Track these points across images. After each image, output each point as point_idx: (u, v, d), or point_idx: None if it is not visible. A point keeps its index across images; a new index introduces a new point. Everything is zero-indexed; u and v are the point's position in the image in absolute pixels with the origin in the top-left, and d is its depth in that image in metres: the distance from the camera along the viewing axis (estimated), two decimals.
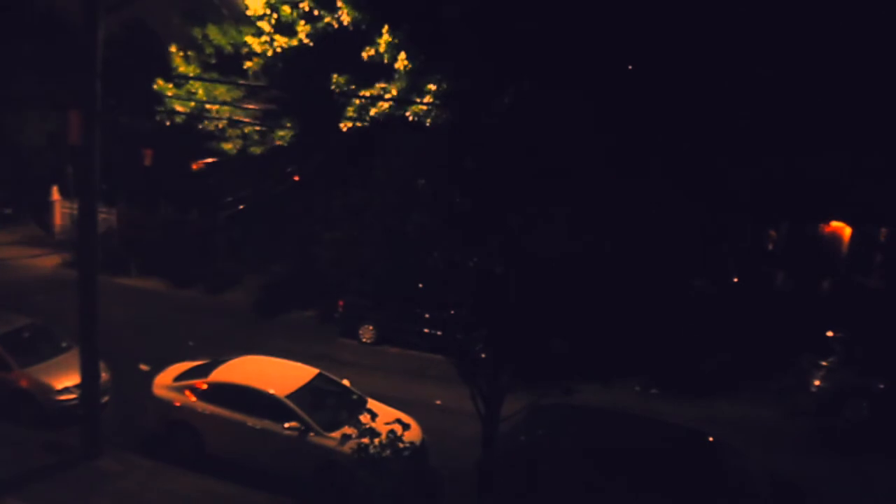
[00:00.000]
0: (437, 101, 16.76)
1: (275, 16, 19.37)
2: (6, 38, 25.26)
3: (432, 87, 17.43)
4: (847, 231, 23.38)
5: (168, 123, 21.30)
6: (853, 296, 21.46)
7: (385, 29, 17.80)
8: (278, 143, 20.85)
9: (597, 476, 11.59)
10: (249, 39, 20.02)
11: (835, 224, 23.44)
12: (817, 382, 16.81)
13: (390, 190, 10.34)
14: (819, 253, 23.20)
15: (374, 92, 18.34)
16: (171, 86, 20.65)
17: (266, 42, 19.79)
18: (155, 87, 20.53)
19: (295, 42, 19.32)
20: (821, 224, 23.45)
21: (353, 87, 18.60)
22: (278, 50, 19.58)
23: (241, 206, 23.88)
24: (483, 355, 10.89)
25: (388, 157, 10.93)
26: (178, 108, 20.66)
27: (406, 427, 10.82)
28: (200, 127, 21.32)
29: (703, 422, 14.47)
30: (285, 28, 19.58)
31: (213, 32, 21.16)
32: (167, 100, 20.72)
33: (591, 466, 11.73)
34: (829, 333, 17.44)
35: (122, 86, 17.64)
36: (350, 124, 18.67)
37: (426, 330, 18.17)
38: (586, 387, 11.05)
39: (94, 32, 11.73)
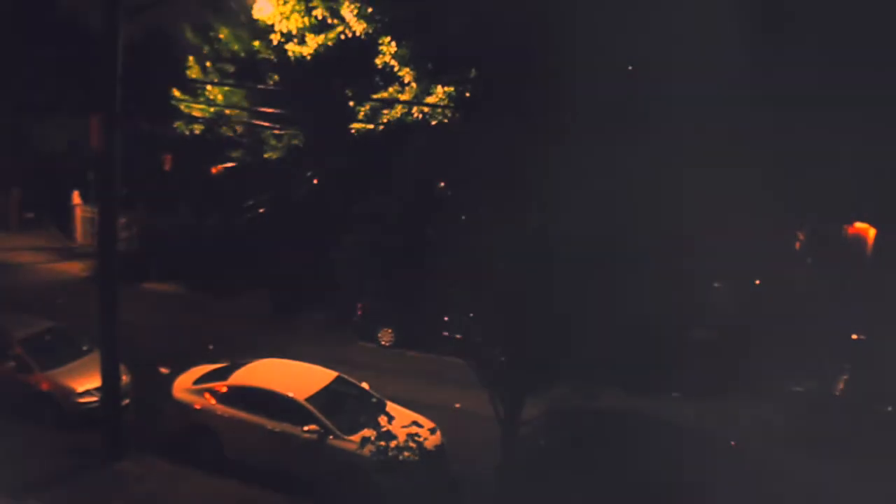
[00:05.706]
0: (450, 105, 16.66)
1: (285, 26, 19.19)
2: (28, 43, 25.51)
3: (440, 90, 17.33)
4: (871, 232, 23.07)
5: (187, 133, 21.46)
6: (870, 298, 21.17)
7: (386, 40, 17.75)
8: (294, 142, 20.87)
9: (612, 480, 11.50)
10: (261, 49, 20.05)
11: (859, 225, 23.13)
12: (841, 385, 16.60)
13: (409, 193, 10.33)
14: (842, 254, 22.89)
15: (387, 95, 18.33)
16: (189, 97, 20.79)
17: (277, 52, 19.79)
18: (172, 100, 20.66)
19: (308, 52, 19.28)
20: (844, 225, 23.13)
21: (368, 92, 18.64)
22: (290, 57, 19.58)
23: (262, 210, 23.94)
24: (502, 359, 10.83)
25: (405, 160, 10.91)
26: (197, 114, 20.78)
27: (425, 429, 10.78)
28: (213, 135, 21.46)
29: (725, 425, 14.31)
30: (297, 38, 19.55)
31: (227, 36, 21.23)
32: (185, 107, 20.84)
33: (608, 470, 11.64)
34: (854, 336, 17.22)
35: (142, 91, 17.74)
36: (360, 126, 18.63)
37: (445, 333, 18.13)
38: (608, 391, 10.97)
39: (114, 37, 11.89)
